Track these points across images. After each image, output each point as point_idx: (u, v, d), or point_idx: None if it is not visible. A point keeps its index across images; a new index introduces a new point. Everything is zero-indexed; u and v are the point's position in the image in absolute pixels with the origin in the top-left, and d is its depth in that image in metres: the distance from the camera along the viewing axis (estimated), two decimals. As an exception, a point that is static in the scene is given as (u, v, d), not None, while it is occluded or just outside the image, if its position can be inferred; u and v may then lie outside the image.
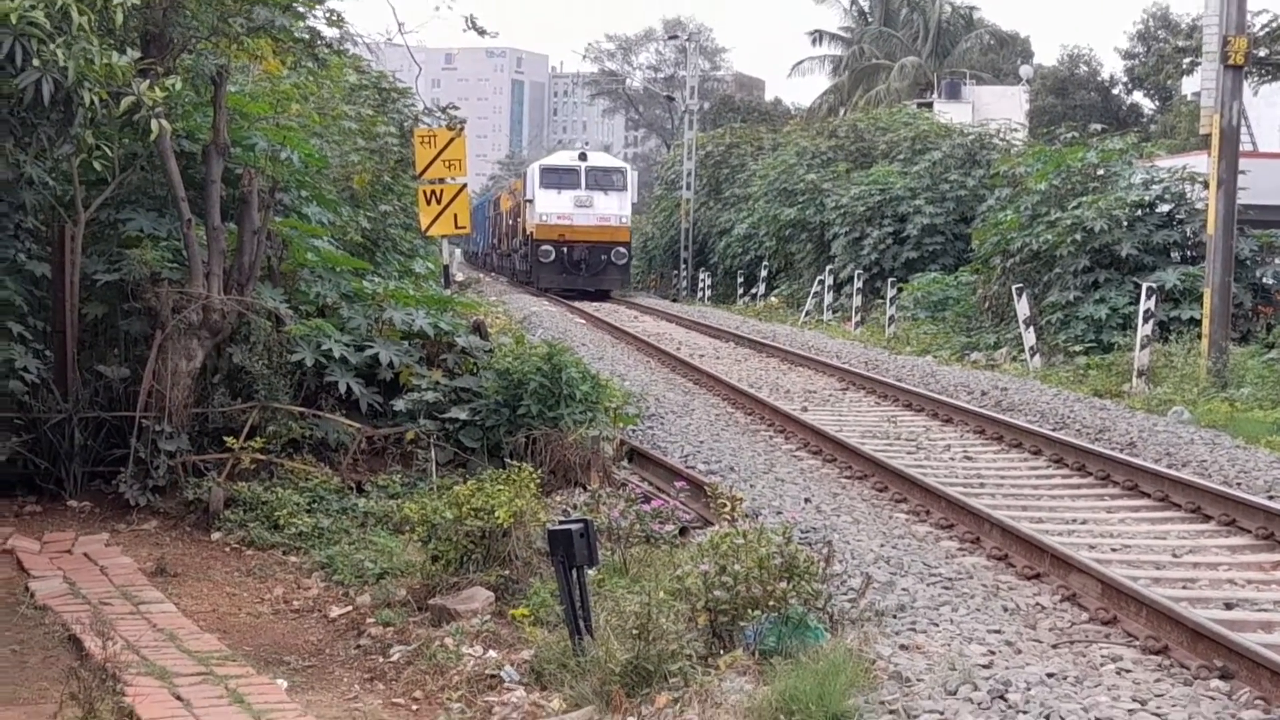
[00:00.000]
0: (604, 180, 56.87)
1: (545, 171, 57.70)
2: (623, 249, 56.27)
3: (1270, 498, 13.59)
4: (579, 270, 54.98)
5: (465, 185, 20.28)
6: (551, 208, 55.21)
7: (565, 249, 54.79)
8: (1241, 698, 8.28)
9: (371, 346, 15.14)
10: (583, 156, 59.98)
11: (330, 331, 14.93)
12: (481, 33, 19.39)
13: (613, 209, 55.80)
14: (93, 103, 9.40)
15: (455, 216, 19.49)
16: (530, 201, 57.87)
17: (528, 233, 59.41)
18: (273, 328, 14.61)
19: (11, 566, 11.71)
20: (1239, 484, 14.49)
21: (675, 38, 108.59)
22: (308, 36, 16.59)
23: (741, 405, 21.47)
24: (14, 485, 13.74)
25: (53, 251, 14.40)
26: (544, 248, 54.93)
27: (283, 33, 15.32)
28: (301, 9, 16.17)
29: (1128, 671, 8.79)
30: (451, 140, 19.45)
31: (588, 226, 55.18)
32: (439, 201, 19.26)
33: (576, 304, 49.23)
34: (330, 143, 19.08)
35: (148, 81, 10.04)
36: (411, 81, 24.19)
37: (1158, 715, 7.79)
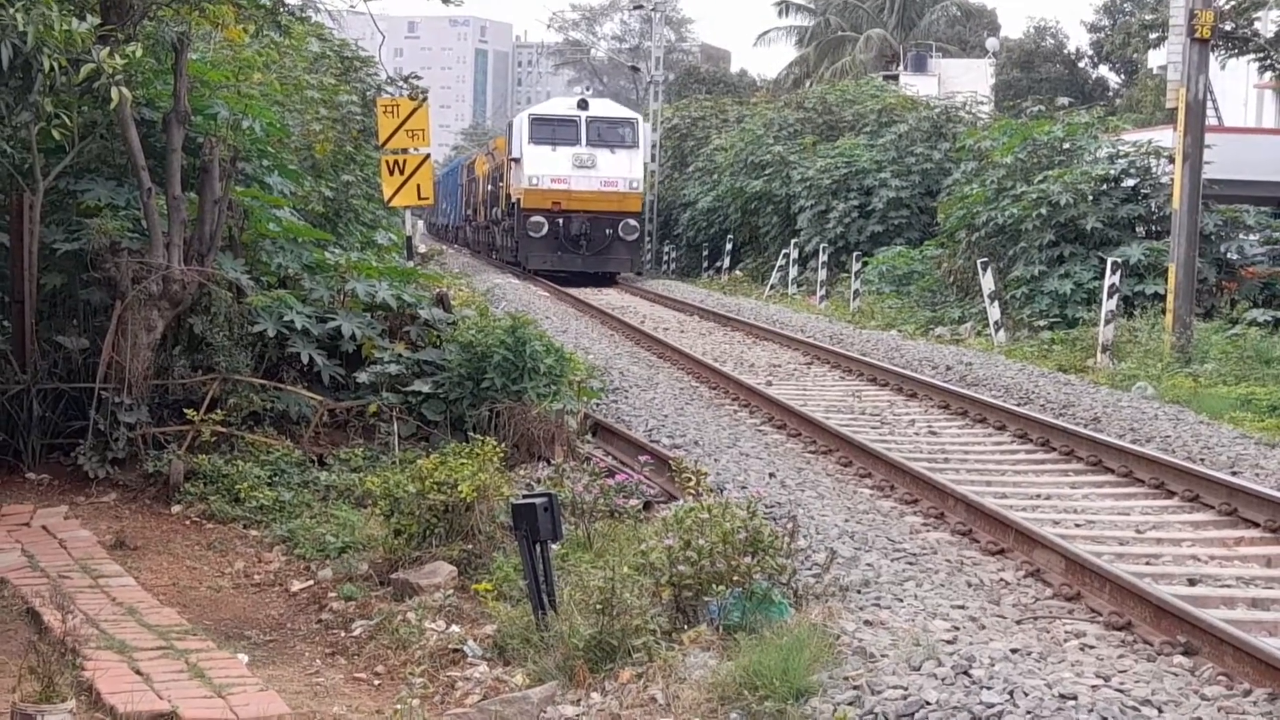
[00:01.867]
0: (609, 134, 45.34)
1: (536, 123, 45.72)
2: (633, 221, 44.94)
3: (1234, 474, 13.66)
4: (578, 247, 44.05)
5: (429, 156, 20.30)
6: (544, 168, 43.84)
7: (560, 220, 43.75)
8: (1204, 674, 8.35)
9: (334, 318, 15.14)
10: (583, 104, 47.20)
11: (292, 303, 14.92)
12: (445, 0, 19.36)
13: (621, 170, 44.30)
14: (52, 69, 9.37)
15: (418, 187, 19.52)
16: (517, 161, 45.87)
17: (512, 200, 47.72)
18: (234, 299, 14.60)
19: (-30, 538, 11.70)
20: (1202, 460, 14.55)
21: (640, 7, 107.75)
22: (270, 3, 16.55)
23: (706, 379, 21.49)
24: (-26, 456, 13.72)
25: (11, 220, 14.36)
26: (534, 219, 43.76)
27: (244, 1, 15.29)
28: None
29: (1091, 648, 8.83)
30: (415, 110, 19.46)
31: (589, 192, 43.87)
32: (402, 172, 19.26)
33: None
34: (292, 112, 19.04)
35: (107, 48, 10.00)
36: (374, 50, 24.18)
37: (1121, 691, 7.83)
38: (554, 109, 48.76)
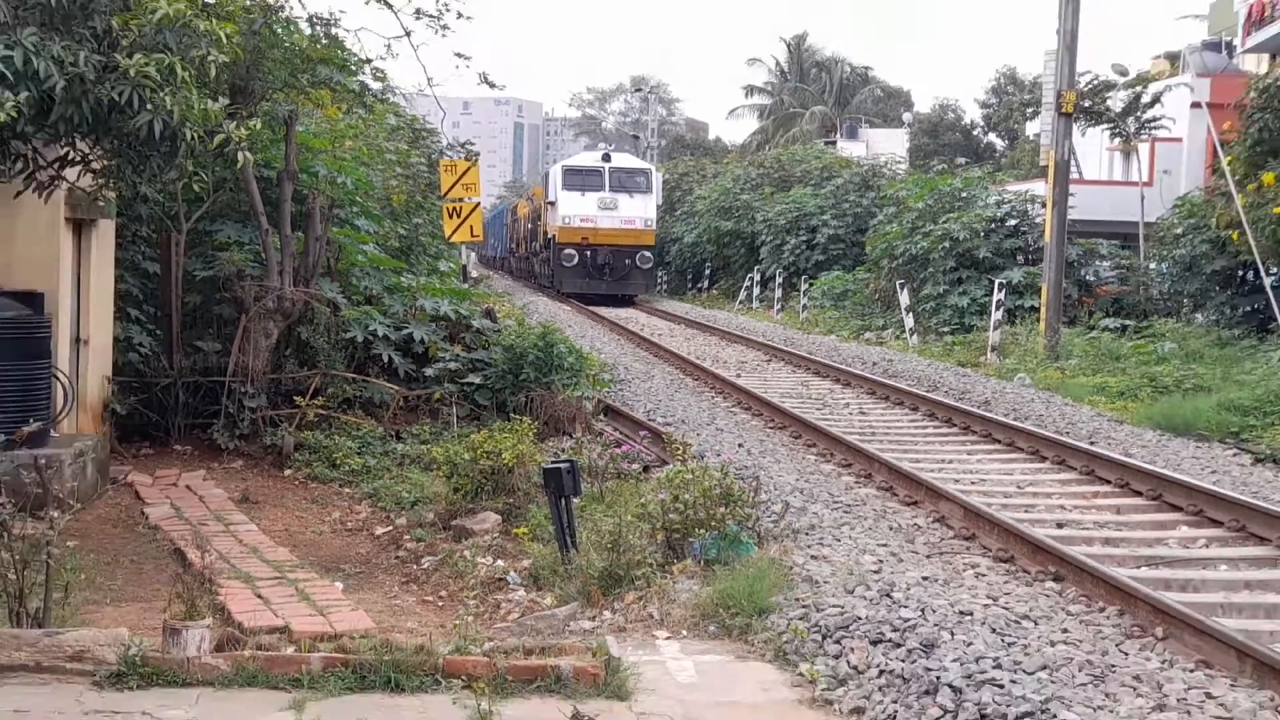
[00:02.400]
0: (628, 182, 43.04)
1: (568, 172, 43.42)
2: (648, 253, 42.79)
3: (1091, 443, 13.70)
4: (603, 274, 41.79)
5: (479, 203, 20.27)
6: (574, 209, 41.84)
7: (588, 252, 41.59)
8: (1069, 595, 8.42)
9: (407, 327, 15.29)
10: (606, 157, 44.80)
11: (375, 316, 15.09)
12: (491, 85, 19.32)
13: (638, 211, 42.28)
14: (192, 138, 9.35)
15: (471, 227, 19.51)
16: (552, 204, 43.67)
17: (549, 235, 45.33)
18: (331, 313, 14.69)
19: (131, 495, 11.73)
20: (1067, 433, 14.59)
21: (640, 90, 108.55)
22: (358, 89, 16.62)
23: (690, 373, 21.49)
24: (132, 434, 13.76)
25: (161, 253, 14.55)
26: (566, 251, 41.59)
27: (339, 86, 15.33)
28: (353, 68, 16.14)
29: (983, 575, 8.88)
30: (468, 169, 19.46)
31: (612, 229, 41.82)
32: (459, 216, 19.25)
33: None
34: (375, 170, 19.07)
35: (235, 123, 9.98)
36: (437, 123, 24.13)
37: (1006, 608, 7.87)
38: (583, 161, 46.30)
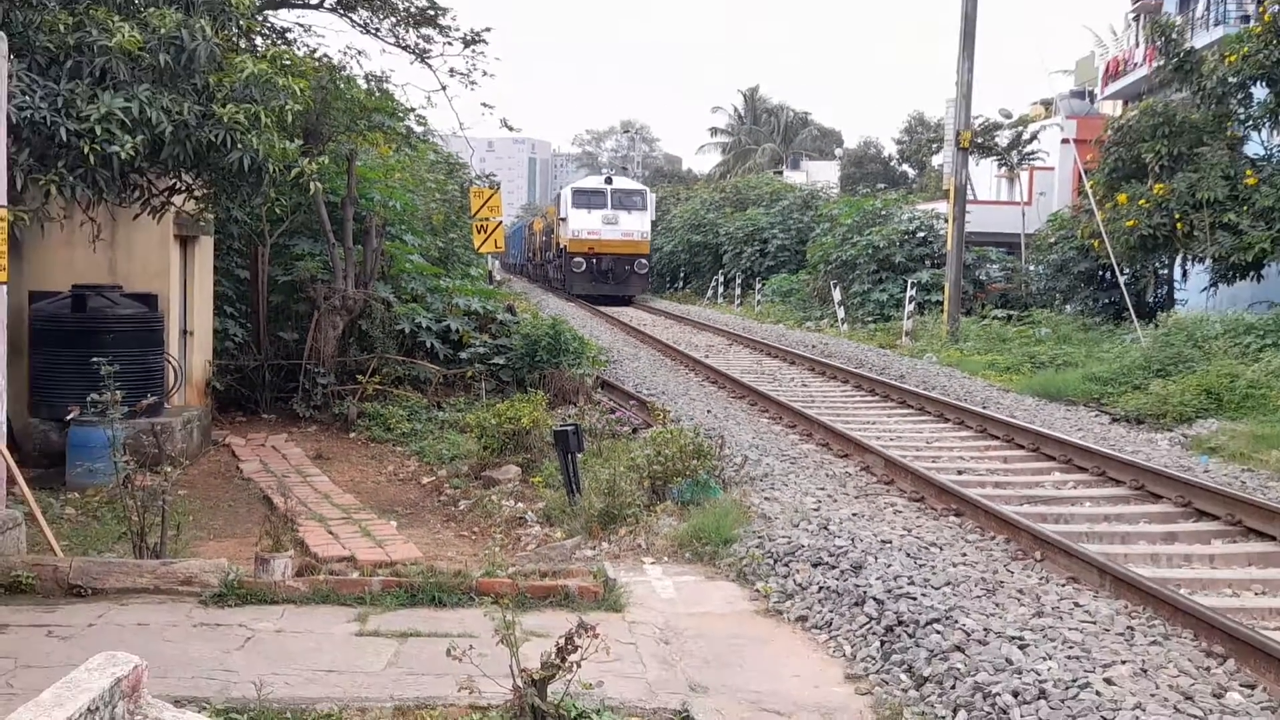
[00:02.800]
0: (627, 200, 41.16)
1: (577, 193, 41.81)
2: (644, 260, 41.07)
3: (984, 408, 13.72)
4: (606, 279, 40.12)
5: (501, 221, 20.31)
6: (582, 225, 40.00)
7: (594, 260, 40.08)
8: (968, 526, 8.44)
9: (445, 320, 15.39)
10: (609, 180, 43.01)
11: (420, 311, 15.20)
12: (510, 128, 19.39)
13: (635, 226, 40.33)
14: (274, 172, 9.34)
15: (495, 240, 19.58)
16: (564, 219, 41.88)
17: (560, 246, 43.47)
18: (385, 309, 14.78)
19: (228, 454, 11.73)
20: (965, 399, 14.62)
21: (627, 131, 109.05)
22: (404, 131, 16.73)
23: (669, 354, 21.47)
24: (229, 406, 13.80)
25: (250, 263, 14.56)
26: (576, 259, 40.05)
27: (389, 129, 15.40)
28: (401, 115, 16.20)
29: (900, 512, 8.91)
30: (492, 195, 19.59)
31: (613, 240, 40.18)
32: (485, 232, 19.32)
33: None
34: (418, 196, 19.08)
35: (308, 159, 9.98)
36: (467, 158, 24.14)
37: (918, 538, 7.90)
38: (589, 183, 43.99)
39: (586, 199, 41.02)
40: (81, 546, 7.56)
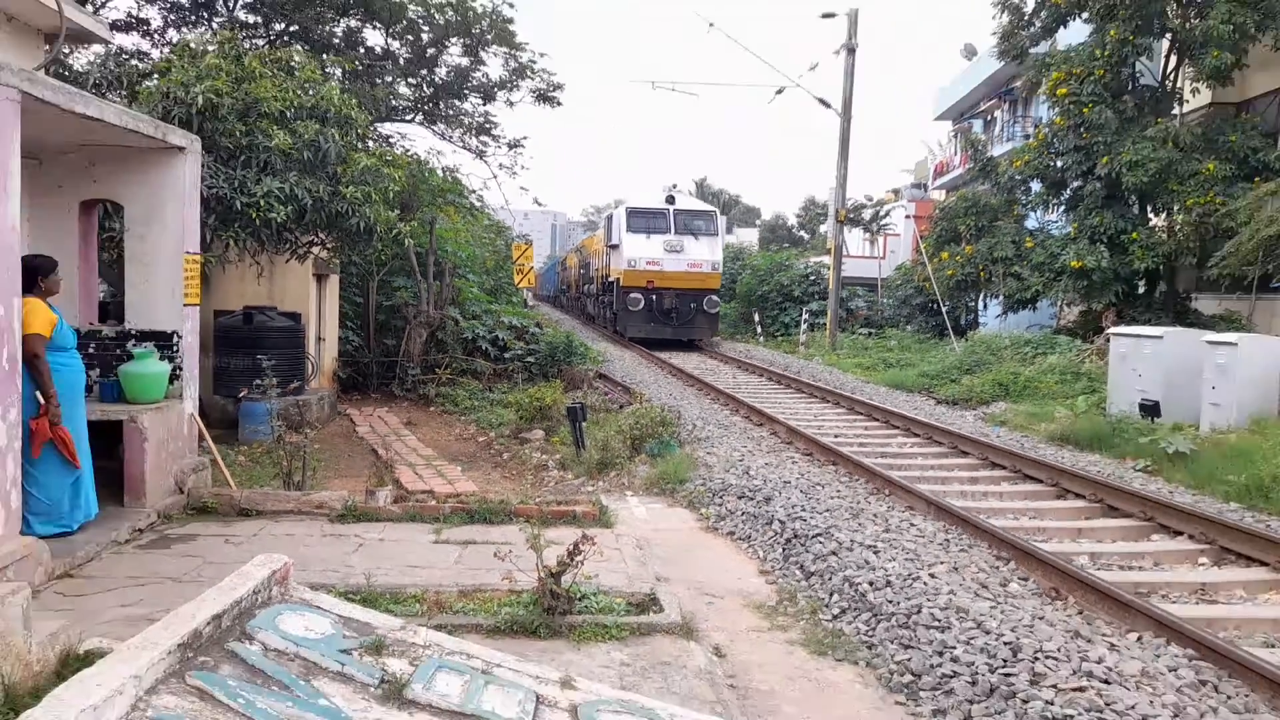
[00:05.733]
0: (693, 224, 24.86)
1: (633, 215, 24.80)
2: (714, 297, 24.38)
3: (852, 393, 13.73)
4: (669, 319, 24.03)
5: (533, 266, 20.25)
6: (640, 252, 24.01)
7: (654, 296, 23.95)
8: (841, 471, 8.39)
9: (495, 331, 15.21)
10: (670, 199, 25.69)
11: (478, 326, 15.04)
12: (539, 204, 19.47)
13: (704, 254, 24.29)
14: (380, 232, 9.30)
15: (530, 279, 19.52)
16: (615, 247, 25.07)
17: (609, 279, 25.71)
18: (454, 324, 14.63)
19: (348, 421, 11.60)
20: (840, 388, 14.62)
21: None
22: (468, 206, 16.66)
23: (645, 356, 21.41)
24: (349, 388, 13.63)
25: (363, 292, 14.35)
26: (632, 295, 23.60)
27: (458, 204, 15.33)
28: (465, 194, 16.18)
29: (796, 462, 8.88)
30: (526, 249, 19.52)
31: (678, 272, 23.97)
32: (522, 273, 19.24)
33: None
34: (477, 248, 19.02)
35: (404, 223, 9.95)
36: (510, 224, 24.14)
37: (808, 479, 7.89)
38: (647, 203, 25.27)
39: (645, 222, 24.05)
40: (248, 482, 7.50)
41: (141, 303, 6.61)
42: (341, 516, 6.26)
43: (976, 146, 19.81)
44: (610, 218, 24.85)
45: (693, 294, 23.13)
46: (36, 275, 5.24)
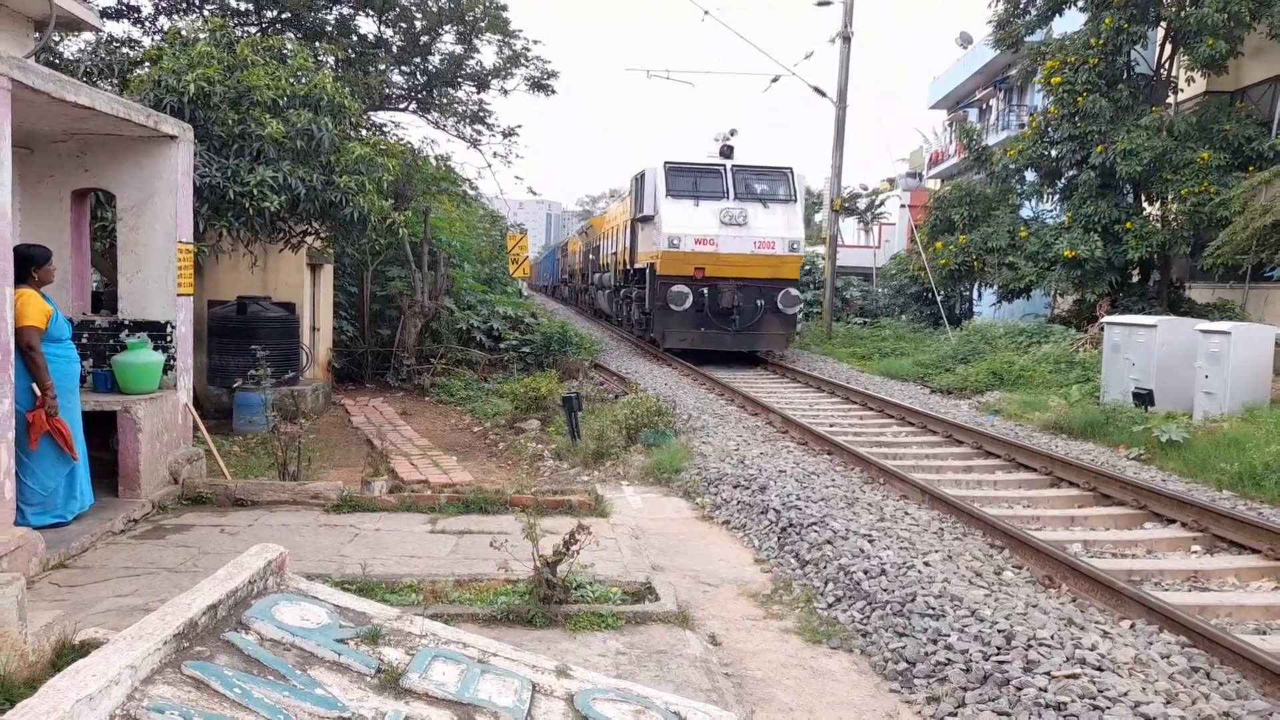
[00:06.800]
0: (761, 186, 14.74)
1: (674, 173, 14.72)
2: (794, 290, 14.91)
3: (847, 382, 13.74)
4: (727, 322, 14.74)
5: (528, 255, 20.18)
6: (685, 226, 14.24)
7: (705, 290, 14.54)
8: (836, 461, 8.42)
9: (490, 321, 15.16)
10: (727, 151, 14.91)
11: (473, 316, 14.98)
12: (533, 193, 19.32)
13: (777, 229, 14.38)
14: (374, 221, 9.26)
15: (525, 268, 19.47)
16: (648, 219, 15.13)
17: (634, 265, 17.03)
18: (449, 314, 14.58)
19: (343, 411, 11.58)
20: (834, 377, 14.62)
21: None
22: (463, 195, 16.54)
23: (639, 347, 21.37)
24: (343, 379, 13.61)
25: (357, 282, 14.31)
26: (676, 289, 14.42)
27: (452, 193, 15.22)
28: (459, 183, 16.06)
29: (791, 452, 8.89)
30: (520, 239, 19.42)
31: (740, 255, 14.41)
32: (517, 263, 19.18)
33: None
34: (472, 238, 18.98)
35: (397, 213, 9.91)
36: (505, 213, 24.05)
37: (803, 468, 7.90)
38: (694, 157, 16.05)
39: (691, 183, 15.79)
40: (243, 473, 7.49)
41: (135, 293, 6.58)
42: (337, 507, 6.25)
43: (971, 135, 19.76)
44: (640, 179, 16.07)
45: (761, 286, 15.06)
46: (30, 265, 5.21)
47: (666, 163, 15.47)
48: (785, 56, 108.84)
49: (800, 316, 18.19)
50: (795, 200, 15.54)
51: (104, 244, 8.39)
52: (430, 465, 8.46)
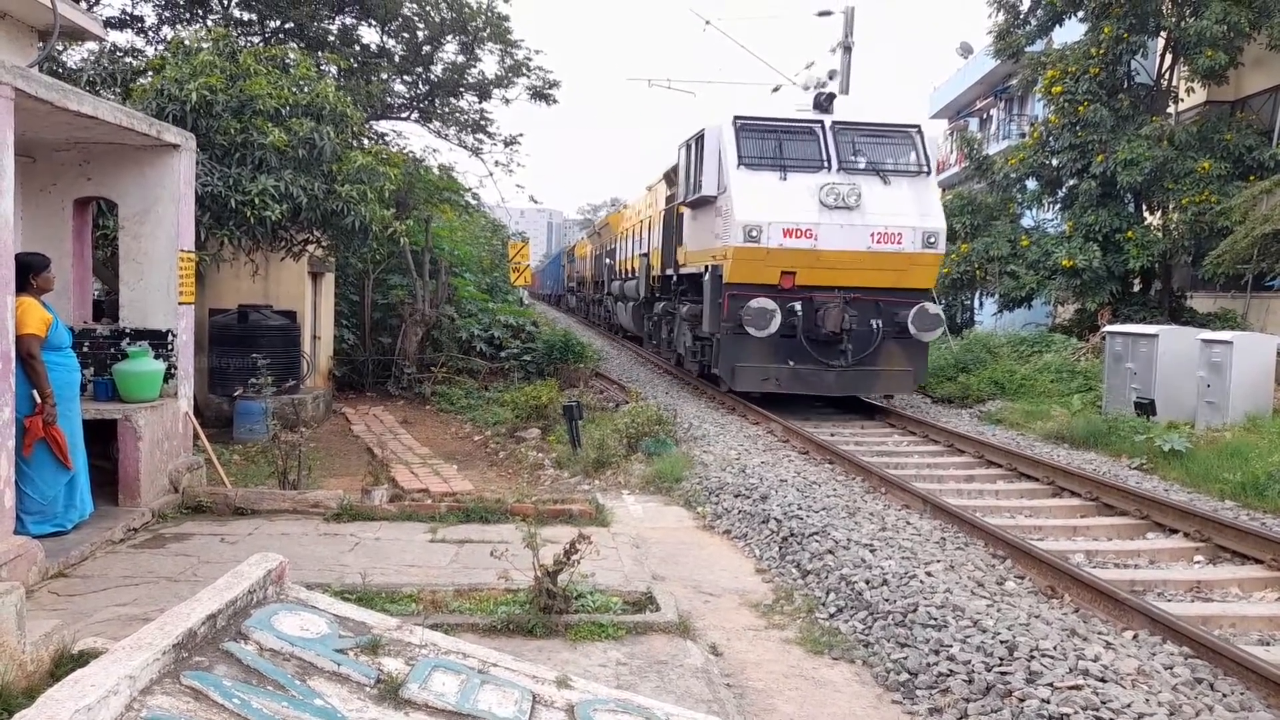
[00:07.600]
0: (877, 152, 7.65)
1: (747, 133, 7.68)
2: (932, 308, 8.68)
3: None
4: (833, 354, 8.47)
5: (529, 264, 20.26)
6: (769, 211, 7.20)
7: (797, 305, 8.00)
8: (838, 470, 8.39)
9: (491, 330, 15.21)
10: (824, 104, 7.65)
11: (474, 324, 15.05)
12: (535, 201, 19.36)
13: (906, 214, 7.60)
14: (375, 230, 9.28)
15: (526, 276, 19.52)
16: (708, 201, 8.44)
17: (680, 270, 11.02)
18: (450, 322, 14.63)
19: (343, 419, 11.60)
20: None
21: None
22: (464, 204, 16.58)
23: (639, 355, 21.38)
24: (344, 387, 13.65)
25: (359, 290, 14.35)
26: (758, 304, 7.89)
27: (454, 202, 15.27)
28: (461, 192, 16.11)
29: (793, 461, 8.87)
30: (522, 247, 19.52)
31: (853, 254, 7.68)
32: (518, 271, 19.25)
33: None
34: (474, 246, 19.03)
35: (399, 222, 9.94)
36: (506, 222, 24.12)
37: (804, 478, 7.86)
38: (775, 110, 8.89)
39: (774, 147, 8.98)
40: (244, 481, 7.49)
41: (136, 301, 6.59)
42: (337, 515, 6.24)
43: (972, 145, 19.81)
44: (697, 144, 10.48)
45: (882, 300, 10.05)
46: (28, 273, 5.21)
47: (737, 118, 9.55)
48: (786, 66, 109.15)
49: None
50: (929, 172, 9.87)
51: (105, 252, 8.41)
52: (431, 474, 8.45)
